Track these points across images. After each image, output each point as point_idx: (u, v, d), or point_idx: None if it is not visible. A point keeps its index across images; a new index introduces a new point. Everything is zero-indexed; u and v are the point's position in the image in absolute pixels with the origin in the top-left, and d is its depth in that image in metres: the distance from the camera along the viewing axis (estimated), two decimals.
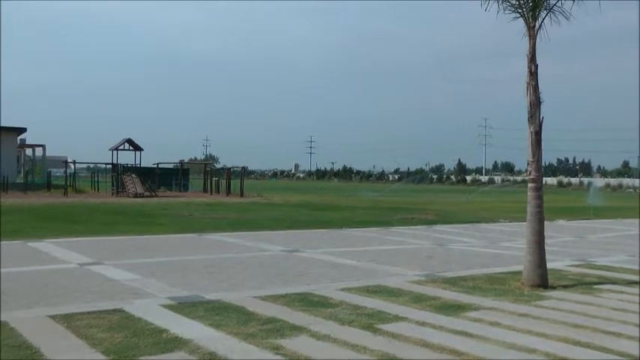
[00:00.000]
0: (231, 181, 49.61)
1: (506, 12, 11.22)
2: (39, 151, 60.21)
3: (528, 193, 11.10)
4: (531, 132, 10.99)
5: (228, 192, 47.65)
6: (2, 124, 49.04)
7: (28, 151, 63.74)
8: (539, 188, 11.06)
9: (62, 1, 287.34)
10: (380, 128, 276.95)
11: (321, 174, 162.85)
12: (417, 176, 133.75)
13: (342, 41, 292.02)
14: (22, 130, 50.78)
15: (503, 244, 17.29)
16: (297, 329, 7.36)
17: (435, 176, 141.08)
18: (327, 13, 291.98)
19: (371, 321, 7.86)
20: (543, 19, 11.05)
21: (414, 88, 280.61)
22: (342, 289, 9.98)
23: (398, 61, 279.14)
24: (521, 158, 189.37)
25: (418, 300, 9.29)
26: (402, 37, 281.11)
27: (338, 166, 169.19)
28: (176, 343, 6.70)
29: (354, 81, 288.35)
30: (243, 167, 55.57)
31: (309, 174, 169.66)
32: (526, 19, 11.06)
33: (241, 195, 45.89)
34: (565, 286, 10.73)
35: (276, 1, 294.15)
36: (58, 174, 64.48)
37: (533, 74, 11.04)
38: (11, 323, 7.36)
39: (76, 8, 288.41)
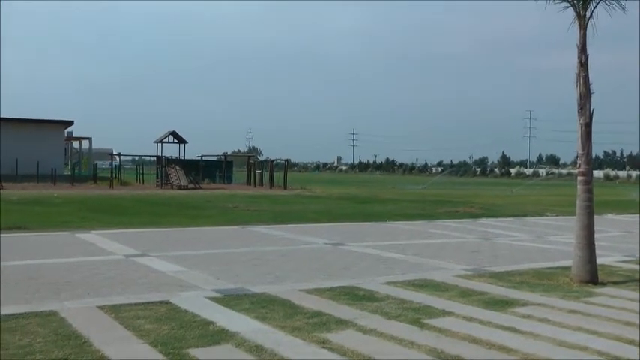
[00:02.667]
0: (275, 174, 49.75)
1: (556, 2, 10.98)
2: (85, 144, 61.24)
3: (578, 187, 10.84)
4: (581, 124, 10.71)
5: (272, 184, 47.79)
6: (50, 118, 50.02)
7: (75, 144, 64.87)
8: (589, 182, 10.79)
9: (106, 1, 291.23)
10: (423, 121, 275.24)
11: (363, 167, 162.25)
12: (461, 169, 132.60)
13: (384, 33, 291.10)
14: (70, 123, 51.60)
15: (550, 239, 17.01)
16: (343, 323, 7.32)
17: (478, 169, 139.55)
18: (368, 4, 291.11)
19: (417, 315, 7.79)
20: (594, 8, 10.77)
21: (457, 80, 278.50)
22: (388, 283, 9.91)
23: (442, 52, 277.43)
24: (567, 151, 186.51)
25: (465, 295, 9.18)
26: (447, 27, 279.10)
27: (380, 159, 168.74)
28: (223, 335, 6.73)
29: (396, 73, 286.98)
30: (287, 160, 55.55)
31: (352, 167, 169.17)
32: (576, 8, 10.80)
33: (284, 187, 46.01)
34: (615, 283, 10.49)
35: None
36: (103, 166, 65.60)
37: (584, 65, 10.75)
38: (61, 313, 7.48)
39: (119, 4, 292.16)
